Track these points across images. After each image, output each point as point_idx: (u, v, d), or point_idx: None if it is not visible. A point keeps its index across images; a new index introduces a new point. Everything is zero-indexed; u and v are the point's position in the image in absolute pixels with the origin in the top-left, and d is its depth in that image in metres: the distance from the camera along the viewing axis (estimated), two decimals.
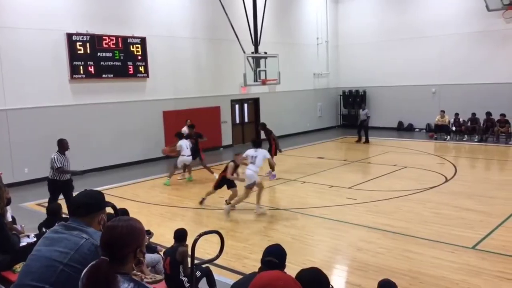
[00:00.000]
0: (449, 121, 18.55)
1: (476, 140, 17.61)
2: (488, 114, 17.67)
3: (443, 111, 18.69)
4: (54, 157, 8.33)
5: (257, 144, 9.52)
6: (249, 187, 9.05)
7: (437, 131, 18.72)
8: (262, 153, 9.26)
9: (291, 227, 8.12)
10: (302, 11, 21.45)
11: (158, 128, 15.55)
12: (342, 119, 23.81)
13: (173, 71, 15.81)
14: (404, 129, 21.27)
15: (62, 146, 8.42)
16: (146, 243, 2.34)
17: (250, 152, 9.29)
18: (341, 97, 23.44)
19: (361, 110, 18.69)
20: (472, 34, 18.90)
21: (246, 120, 19.44)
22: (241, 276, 4.91)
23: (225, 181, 9.21)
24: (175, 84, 15.89)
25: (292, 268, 2.98)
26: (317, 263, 6.34)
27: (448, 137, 18.35)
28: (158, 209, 9.64)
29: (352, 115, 23.06)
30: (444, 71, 19.66)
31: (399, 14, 20.94)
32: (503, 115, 17.23)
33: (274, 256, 3.12)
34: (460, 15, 19.12)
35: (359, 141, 18.15)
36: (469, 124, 18.15)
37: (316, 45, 22.09)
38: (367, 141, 17.91)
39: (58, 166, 8.25)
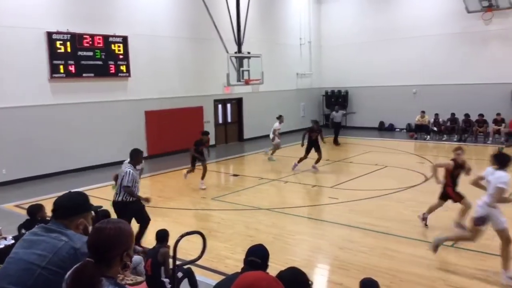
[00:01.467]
0: (429, 121, 18.86)
1: (455, 140, 17.93)
2: (467, 115, 18.03)
3: (423, 112, 18.99)
4: (129, 172, 6.73)
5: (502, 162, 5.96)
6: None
7: (417, 131, 19.01)
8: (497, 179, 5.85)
9: (274, 227, 8.15)
10: (285, 11, 21.54)
11: (140, 128, 15.42)
12: (325, 119, 23.97)
13: (156, 71, 15.70)
14: (385, 129, 21.54)
15: (138, 158, 7.05)
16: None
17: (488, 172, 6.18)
18: (324, 97, 23.62)
19: (334, 112, 18.29)
20: (452, 36, 19.26)
21: (229, 120, 19.42)
22: (223, 277, 4.91)
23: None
24: (157, 83, 15.78)
25: (274, 268, 3.00)
26: (299, 263, 6.38)
27: (428, 137, 18.66)
28: None
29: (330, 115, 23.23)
30: (425, 72, 19.97)
31: (381, 15, 21.19)
32: (481, 115, 17.61)
33: (257, 256, 3.15)
34: (440, 17, 19.45)
35: (337, 142, 17.96)
36: (448, 124, 18.50)
37: (299, 46, 22.20)
38: (338, 143, 17.79)
39: (127, 184, 6.70)
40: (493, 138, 17.29)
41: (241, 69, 16.56)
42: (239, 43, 16.84)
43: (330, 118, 18.63)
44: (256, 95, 19.03)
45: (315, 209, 9.15)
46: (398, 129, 21.15)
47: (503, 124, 17.22)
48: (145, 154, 14.97)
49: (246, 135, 19.74)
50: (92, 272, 1.98)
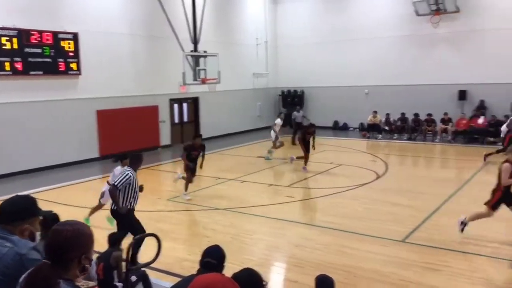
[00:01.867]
0: (380, 121, 19.48)
1: (405, 138, 18.62)
2: (416, 115, 18.77)
3: (375, 111, 19.59)
4: (127, 174, 6.19)
5: None
6: None
7: (370, 130, 19.58)
8: None
9: (231, 227, 8.12)
10: (242, 11, 21.55)
11: (91, 128, 14.92)
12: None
13: (109, 69, 15.23)
14: (339, 128, 22.03)
15: (139, 161, 6.50)
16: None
17: None
18: (280, 97, 23.83)
19: (296, 112, 18.64)
20: (403, 38, 19.96)
21: (185, 119, 19.19)
22: (179, 279, 4.83)
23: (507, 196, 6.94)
24: (110, 82, 15.32)
25: (232, 268, 2.98)
26: (256, 262, 6.40)
27: (380, 135, 19.26)
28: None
29: (291, 115, 23.46)
30: (377, 73, 20.57)
31: (335, 16, 21.63)
32: (429, 114, 18.38)
33: (212, 258, 3.12)
34: (392, 19, 20.09)
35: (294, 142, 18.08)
36: (399, 123, 19.18)
37: (255, 45, 22.27)
38: (294, 143, 17.95)
39: (117, 184, 6.12)
40: (441, 137, 18.08)
41: (197, 68, 16.39)
42: (195, 41, 16.65)
43: (292, 118, 18.80)
44: (213, 94, 18.90)
45: (272, 208, 9.21)
46: (352, 128, 21.69)
47: (450, 123, 18.05)
48: (97, 155, 14.78)
49: (203, 135, 19.49)
50: (47, 274, 1.91)
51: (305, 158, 12.83)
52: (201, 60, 16.21)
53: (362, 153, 15.93)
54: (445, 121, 18.15)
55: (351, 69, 21.21)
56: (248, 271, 2.74)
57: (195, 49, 16.19)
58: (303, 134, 13.04)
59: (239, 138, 19.93)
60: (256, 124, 22.56)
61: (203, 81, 16.14)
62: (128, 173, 6.18)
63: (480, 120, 17.49)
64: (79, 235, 2.04)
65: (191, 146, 10.20)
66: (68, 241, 1.99)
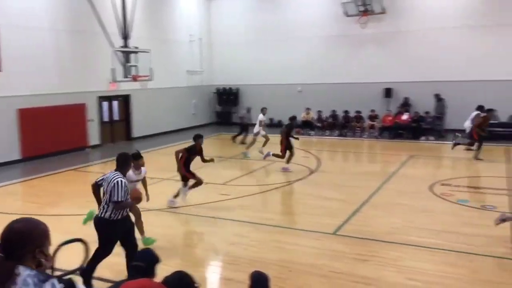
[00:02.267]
0: (313, 118, 20.03)
1: (336, 135, 19.29)
2: (346, 112, 19.51)
3: (308, 108, 20.11)
4: (120, 182, 5.26)
5: None
6: None
7: (303, 127, 20.06)
8: None
9: (165, 228, 7.93)
10: (175, 6, 21.14)
11: (12, 128, 13.91)
12: (216, 116, 24.11)
13: (31, 65, 14.22)
14: (274, 125, 22.32)
15: (127, 164, 5.64)
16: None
17: None
18: (216, 94, 23.71)
19: (245, 111, 18.20)
20: (334, 37, 20.63)
21: (115, 118, 18.47)
22: (110, 284, 4.63)
23: None
24: (33, 79, 14.33)
25: (166, 271, 2.88)
26: (191, 262, 6.30)
27: (313, 132, 19.79)
28: (13, 218, 8.60)
29: (226, 113, 23.50)
30: (309, 71, 21.10)
31: (269, 15, 21.89)
32: (358, 111, 19.20)
33: (141, 261, 3.01)
34: (323, 19, 20.69)
35: (238, 140, 18.03)
36: (330, 120, 19.83)
37: (189, 42, 21.96)
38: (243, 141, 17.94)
39: (118, 199, 5.22)
40: (369, 133, 18.94)
41: (128, 64, 15.89)
42: (125, 37, 16.11)
43: (240, 117, 18.41)
44: (145, 92, 18.39)
45: (207, 207, 9.11)
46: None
47: (377, 120, 18.96)
48: (18, 157, 13.82)
49: (135, 134, 18.98)
50: (1, 267, 1.97)
51: (290, 156, 12.37)
52: (132, 56, 15.72)
53: (296, 150, 16.25)
54: (372, 117, 19.04)
55: (285, 67, 21.58)
56: (179, 274, 2.67)
57: (126, 45, 15.66)
58: (289, 130, 12.60)
59: (174, 136, 19.54)
60: (191, 122, 22.28)
61: (134, 78, 15.66)
62: (122, 182, 5.27)
63: (404, 117, 18.52)
64: (32, 229, 2.09)
65: (194, 148, 9.04)
66: (22, 235, 2.04)
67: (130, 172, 6.56)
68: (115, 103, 18.34)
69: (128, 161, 5.62)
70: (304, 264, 6.19)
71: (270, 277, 3.82)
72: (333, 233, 7.40)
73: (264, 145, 14.69)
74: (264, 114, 15.67)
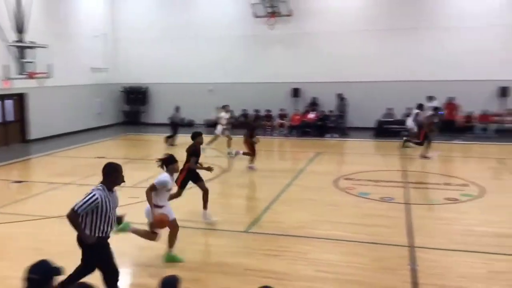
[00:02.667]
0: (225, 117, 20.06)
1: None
2: (257, 110, 19.87)
3: (219, 108, 20.11)
4: (92, 195, 4.61)
5: None
6: None
7: (215, 126, 19.97)
8: None
9: (68, 236, 7.37)
10: (77, 0, 19.91)
11: None
12: (124, 116, 23.14)
13: None
14: (186, 125, 21.98)
15: (112, 176, 4.81)
16: None
17: None
18: (123, 93, 22.75)
19: (174, 111, 17.61)
20: (243, 38, 20.88)
21: (9, 118, 16.84)
22: None
23: None
24: None
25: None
26: (96, 271, 5.93)
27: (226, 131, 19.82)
28: None
29: (134, 112, 22.67)
30: (220, 70, 21.09)
31: (178, 13, 21.54)
32: (268, 110, 19.67)
33: (36, 273, 2.75)
34: (232, 19, 20.82)
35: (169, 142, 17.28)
36: (241, 119, 20.04)
37: (93, 38, 20.77)
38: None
39: (75, 208, 4.61)
40: (278, 131, 19.47)
41: (24, 60, 14.65)
42: (20, 30, 14.80)
43: (170, 117, 17.64)
44: (43, 90, 17.05)
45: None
46: (197, 125, 21.87)
47: (286, 119, 19.57)
48: None
49: (32, 135, 17.51)
50: None
51: (254, 155, 12.36)
52: (29, 51, 14.52)
53: (209, 149, 16.17)
54: (282, 116, 19.62)
55: (196, 66, 21.37)
56: (81, 285, 2.48)
57: (21, 40, 14.41)
58: (252, 131, 12.50)
59: (77, 138, 18.39)
60: (97, 122, 21.15)
61: (31, 75, 14.49)
62: (93, 195, 4.60)
63: (311, 115, 19.33)
64: None
65: (192, 149, 8.04)
66: None
67: (169, 178, 6.16)
68: (8, 102, 16.75)
69: (116, 173, 4.81)
70: (217, 264, 6.16)
71: (180, 280, 3.72)
72: (244, 231, 7.46)
73: (229, 145, 14.52)
74: (226, 112, 15.33)
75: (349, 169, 12.55)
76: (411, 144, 14.62)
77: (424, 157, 13.53)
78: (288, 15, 19.95)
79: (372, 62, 19.22)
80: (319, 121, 18.99)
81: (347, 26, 19.44)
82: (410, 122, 15.85)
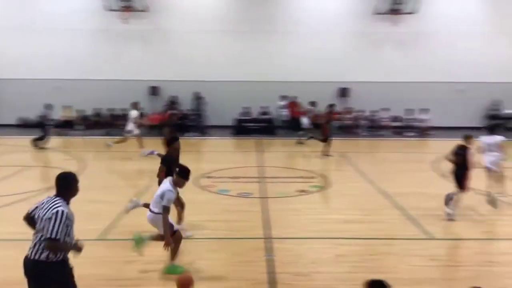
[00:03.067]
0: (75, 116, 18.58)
1: (104, 134, 18.18)
2: (111, 109, 18.70)
3: (66, 106, 18.49)
4: (60, 212, 3.83)
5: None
6: None
7: (64, 126, 18.31)
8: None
9: None
10: None
11: None
12: None
13: None
14: (34, 126, 19.49)
15: (72, 188, 4.10)
16: None
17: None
18: None
19: (45, 109, 15.62)
20: (94, 31, 19.47)
21: None
22: None
23: None
24: None
25: None
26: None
27: (76, 132, 18.32)
28: None
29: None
30: (68, 65, 19.25)
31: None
32: (124, 110, 18.60)
33: None
34: (83, 12, 19.19)
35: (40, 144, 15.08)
36: (95, 118, 18.73)
37: None
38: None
39: (52, 236, 3.78)
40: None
41: None
42: None
43: (40, 116, 15.53)
44: None
45: None
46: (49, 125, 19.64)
47: (143, 118, 18.73)
48: None
49: None
50: None
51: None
52: None
53: (55, 152, 14.71)
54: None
55: (41, 60, 19.22)
56: None
57: None
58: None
59: None
60: None
61: None
62: (59, 210, 3.86)
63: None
64: None
65: (168, 156, 7.31)
66: None
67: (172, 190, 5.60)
68: None
69: (76, 183, 4.19)
70: (96, 276, 5.52)
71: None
72: (96, 238, 6.88)
73: (141, 146, 13.48)
74: (138, 110, 14.12)
75: (209, 167, 12.57)
76: (305, 140, 15.65)
77: (326, 155, 13.88)
78: (143, 11, 19.23)
79: (227, 62, 19.58)
80: (179, 120, 18.72)
81: (202, 26, 19.43)
82: (306, 121, 17.03)
